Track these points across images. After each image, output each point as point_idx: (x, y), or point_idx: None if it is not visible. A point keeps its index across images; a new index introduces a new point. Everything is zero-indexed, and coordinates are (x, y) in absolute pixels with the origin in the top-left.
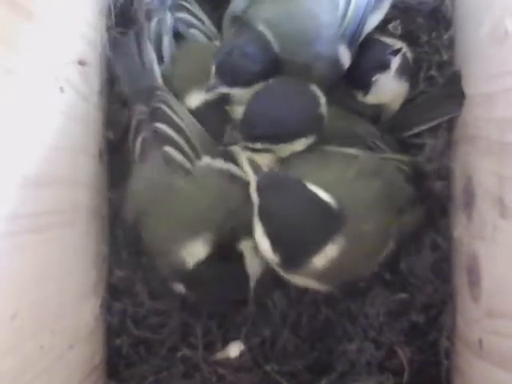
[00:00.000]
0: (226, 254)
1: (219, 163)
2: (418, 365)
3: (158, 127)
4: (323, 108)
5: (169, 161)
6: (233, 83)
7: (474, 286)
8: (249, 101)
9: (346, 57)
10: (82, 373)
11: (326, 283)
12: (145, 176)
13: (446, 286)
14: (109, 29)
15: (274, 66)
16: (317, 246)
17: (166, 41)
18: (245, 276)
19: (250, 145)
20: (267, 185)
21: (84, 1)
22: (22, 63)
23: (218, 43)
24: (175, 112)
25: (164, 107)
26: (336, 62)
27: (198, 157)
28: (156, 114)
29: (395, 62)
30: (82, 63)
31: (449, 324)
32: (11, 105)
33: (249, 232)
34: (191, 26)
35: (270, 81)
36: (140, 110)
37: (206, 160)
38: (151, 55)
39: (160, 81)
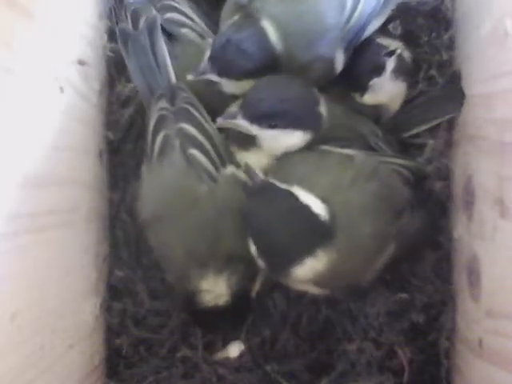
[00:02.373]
0: (243, 297)
1: (241, 174)
2: (417, 365)
3: (184, 127)
4: (322, 108)
5: (193, 164)
6: (223, 74)
7: (474, 286)
8: (251, 88)
9: (340, 61)
10: (82, 373)
11: (320, 287)
12: (163, 179)
13: (446, 286)
14: (109, 29)
15: (269, 65)
16: (296, 257)
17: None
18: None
19: (249, 127)
20: (255, 192)
21: (84, 1)
22: (21, 63)
23: (211, 41)
24: (203, 116)
25: (191, 109)
26: (331, 65)
27: (224, 165)
28: (181, 115)
29: (390, 63)
30: (81, 63)
31: (449, 324)
32: (11, 105)
33: None
34: (182, 25)
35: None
36: (161, 106)
37: (231, 169)
38: (164, 51)
39: (174, 78)
